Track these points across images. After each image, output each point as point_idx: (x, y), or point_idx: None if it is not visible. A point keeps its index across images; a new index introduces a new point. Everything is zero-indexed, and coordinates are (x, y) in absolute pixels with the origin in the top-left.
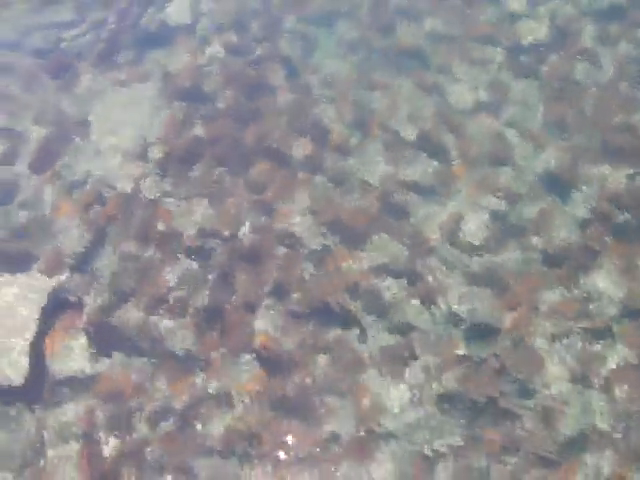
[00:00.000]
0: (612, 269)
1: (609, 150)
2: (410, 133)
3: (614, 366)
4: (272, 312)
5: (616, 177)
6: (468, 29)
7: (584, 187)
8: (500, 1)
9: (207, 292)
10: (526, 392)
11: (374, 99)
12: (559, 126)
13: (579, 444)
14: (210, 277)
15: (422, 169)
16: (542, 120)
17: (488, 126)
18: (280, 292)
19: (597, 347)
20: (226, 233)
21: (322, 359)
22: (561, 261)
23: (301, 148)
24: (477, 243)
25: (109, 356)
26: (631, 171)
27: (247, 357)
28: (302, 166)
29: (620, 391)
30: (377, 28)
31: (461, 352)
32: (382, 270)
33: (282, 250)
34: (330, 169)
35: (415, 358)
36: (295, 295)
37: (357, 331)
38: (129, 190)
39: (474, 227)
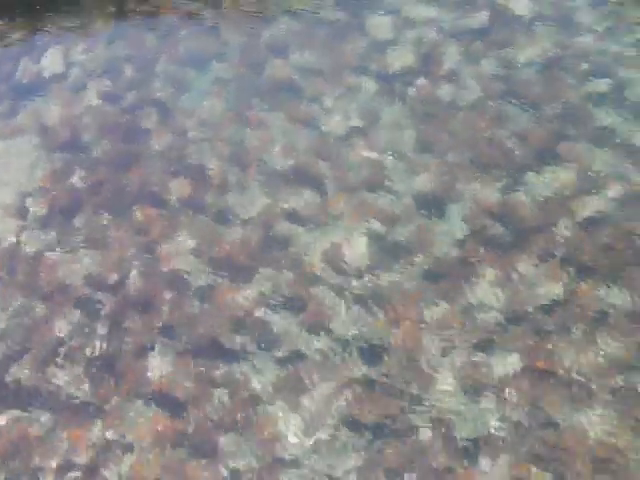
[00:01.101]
0: (491, 279)
1: (480, 165)
2: (287, 166)
3: (502, 373)
4: (165, 353)
5: (488, 191)
6: (338, 60)
7: (459, 203)
8: (367, 31)
9: (99, 341)
10: (420, 407)
11: (250, 135)
12: (431, 147)
13: (475, 451)
14: (101, 325)
15: (300, 200)
16: (414, 143)
17: (362, 153)
18: (171, 333)
19: (484, 356)
20: (113, 280)
21: (218, 395)
22: (442, 276)
23: (181, 189)
24: (359, 267)
25: (3, 413)
26: (502, 184)
27: (144, 400)
28: (183, 207)
29: (510, 396)
30: (249, 65)
31: (353, 375)
32: (269, 301)
33: (170, 291)
34: (211, 207)
35: (309, 386)
36: (186, 334)
37: (249, 364)
38: (10, 245)
39: (355, 251)
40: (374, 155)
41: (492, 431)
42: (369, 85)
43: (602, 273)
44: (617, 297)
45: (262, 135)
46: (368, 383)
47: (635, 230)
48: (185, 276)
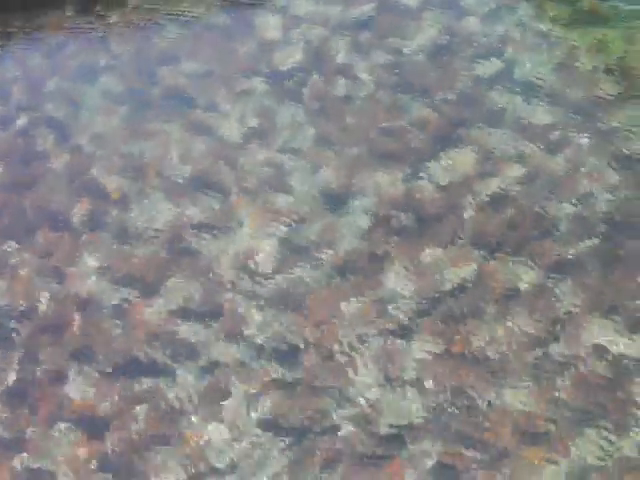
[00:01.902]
0: (401, 268)
1: (380, 157)
2: (187, 174)
3: (420, 360)
4: (82, 376)
5: (390, 181)
6: (229, 63)
7: (362, 196)
8: (256, 32)
9: (13, 371)
10: (342, 402)
11: (147, 147)
12: (329, 143)
13: (400, 440)
14: (14, 354)
15: (204, 208)
16: (312, 140)
17: (261, 155)
18: (87, 354)
19: (401, 345)
20: (23, 307)
21: (140, 412)
22: (352, 271)
23: (82, 209)
24: (269, 269)
25: None
26: (403, 174)
27: (65, 426)
28: (86, 226)
29: (428, 384)
30: (141, 76)
31: (273, 378)
32: (182, 313)
33: (81, 313)
34: (114, 224)
35: (230, 394)
36: (102, 354)
37: (169, 378)
38: None
39: (264, 254)
40: (273, 156)
41: (416, 418)
42: (262, 86)
43: (509, 251)
44: (525, 273)
45: (159, 146)
46: (288, 385)
47: (537, 206)
48: (95, 296)
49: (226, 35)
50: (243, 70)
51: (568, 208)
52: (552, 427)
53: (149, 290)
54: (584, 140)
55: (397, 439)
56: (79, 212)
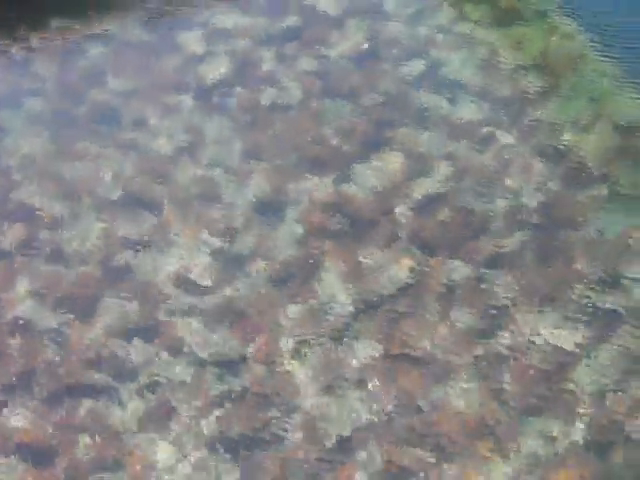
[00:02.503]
0: (339, 273)
1: (310, 164)
2: (119, 193)
3: (363, 363)
4: (22, 405)
5: (322, 188)
6: (155, 80)
7: (295, 204)
8: (180, 47)
9: None
10: (288, 412)
11: (77, 168)
12: (259, 154)
13: (349, 445)
14: None
15: (137, 225)
16: (242, 152)
17: (192, 169)
18: (26, 382)
19: (343, 350)
20: None
21: (84, 437)
22: (290, 278)
23: (14, 234)
24: (206, 283)
25: None
26: (334, 179)
27: (7, 459)
28: (18, 250)
29: (372, 386)
30: (67, 96)
31: (217, 393)
32: (121, 332)
33: (18, 340)
34: (47, 246)
35: (175, 412)
36: (42, 380)
37: (112, 400)
38: None
39: (200, 269)
40: (204, 170)
41: (363, 421)
42: (190, 101)
43: (444, 250)
44: (461, 270)
45: (90, 166)
46: (233, 398)
47: (469, 203)
48: (31, 321)
49: (151, 52)
50: (169, 86)
51: (499, 203)
52: (498, 421)
53: (86, 311)
54: (510, 135)
55: (346, 443)
56: (11, 236)
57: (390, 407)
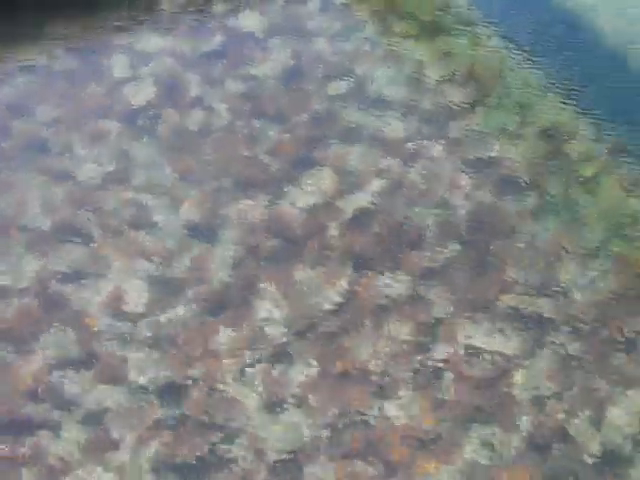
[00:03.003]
0: (274, 294)
1: (242, 186)
2: (49, 223)
3: (302, 383)
4: None
5: (254, 209)
6: (81, 107)
7: (228, 227)
8: (104, 73)
9: None
10: (232, 435)
11: (5, 201)
12: (189, 177)
13: (295, 464)
14: None
15: (70, 256)
16: (172, 176)
17: (122, 196)
18: None
19: (281, 370)
20: None
21: (26, 473)
22: (226, 301)
23: None
24: (142, 310)
25: None
26: (266, 200)
27: None
28: None
29: (314, 405)
30: None
31: (159, 419)
32: (60, 365)
33: None
34: None
35: (117, 441)
36: None
37: (53, 433)
38: None
39: (135, 296)
40: (135, 196)
41: (306, 440)
42: (117, 127)
43: (378, 265)
44: (396, 284)
45: (17, 198)
46: (175, 424)
47: (401, 217)
48: None
49: (76, 80)
50: (96, 112)
51: (431, 216)
52: (441, 432)
53: (24, 347)
54: (439, 148)
55: (291, 463)
56: None
57: (333, 424)
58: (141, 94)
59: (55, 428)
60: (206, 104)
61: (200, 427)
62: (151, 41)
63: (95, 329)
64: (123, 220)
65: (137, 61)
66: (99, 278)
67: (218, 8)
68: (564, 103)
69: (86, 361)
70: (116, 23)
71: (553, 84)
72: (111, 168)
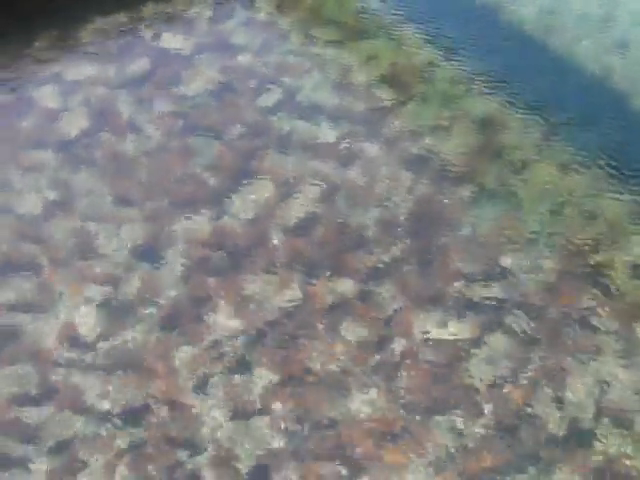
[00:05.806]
0: (226, 307)
1: (183, 204)
2: None
3: (263, 390)
4: None
5: (197, 225)
6: (15, 140)
7: (173, 245)
8: (35, 104)
9: None
10: (198, 449)
11: None
12: (130, 200)
13: (264, 474)
14: None
15: (18, 289)
16: (112, 200)
17: (65, 225)
18: None
19: (241, 380)
20: None
21: None
22: (179, 319)
23: None
24: (96, 336)
25: None
26: (208, 215)
27: None
28: None
29: (278, 409)
30: None
31: (124, 444)
32: (19, 399)
33: None
34: None
35: (83, 469)
36: None
37: (19, 468)
38: None
39: (87, 323)
40: (77, 224)
41: (274, 446)
42: (53, 156)
43: (326, 268)
44: (345, 285)
45: None
46: (141, 445)
47: (343, 219)
48: None
49: (7, 112)
50: (31, 143)
51: (373, 215)
52: (405, 425)
53: None
54: (373, 148)
55: (260, 473)
56: None
57: (298, 428)
58: (74, 122)
59: (21, 463)
60: (139, 126)
61: (166, 444)
62: (79, 69)
63: (52, 359)
64: (69, 249)
65: (67, 90)
66: (50, 308)
67: (144, 31)
68: (491, 95)
69: (46, 392)
70: (44, 52)
71: (479, 78)
72: (51, 198)
